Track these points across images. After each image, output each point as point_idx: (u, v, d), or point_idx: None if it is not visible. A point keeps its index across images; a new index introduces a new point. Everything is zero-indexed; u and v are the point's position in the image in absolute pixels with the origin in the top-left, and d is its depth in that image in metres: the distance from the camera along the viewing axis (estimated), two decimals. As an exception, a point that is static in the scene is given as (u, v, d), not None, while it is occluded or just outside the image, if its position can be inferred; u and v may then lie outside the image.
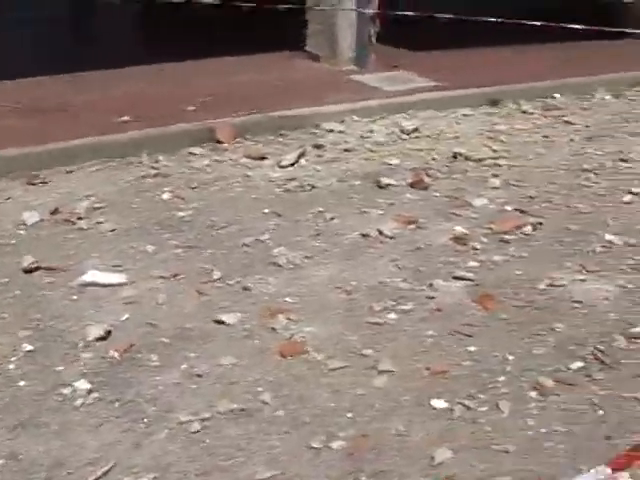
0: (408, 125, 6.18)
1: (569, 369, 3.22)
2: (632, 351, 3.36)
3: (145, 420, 2.91)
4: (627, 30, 7.91)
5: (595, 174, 5.36)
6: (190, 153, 5.60)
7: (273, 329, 3.50)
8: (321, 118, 6.25)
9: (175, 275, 3.96)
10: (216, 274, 3.96)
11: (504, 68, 7.98)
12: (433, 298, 3.77)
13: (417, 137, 6.03)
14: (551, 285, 3.86)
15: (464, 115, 6.65)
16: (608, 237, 4.38)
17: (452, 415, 2.95)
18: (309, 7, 7.72)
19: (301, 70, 7.63)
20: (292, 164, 5.42)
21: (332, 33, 7.67)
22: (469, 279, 3.93)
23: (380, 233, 4.41)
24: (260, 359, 3.29)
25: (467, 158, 5.58)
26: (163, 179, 5.20)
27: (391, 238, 4.38)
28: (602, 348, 3.35)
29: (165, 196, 4.94)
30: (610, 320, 3.59)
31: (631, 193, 5.04)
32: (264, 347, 3.38)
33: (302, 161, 5.48)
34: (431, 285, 3.87)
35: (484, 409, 2.98)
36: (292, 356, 3.30)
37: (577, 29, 6.63)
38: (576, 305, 3.71)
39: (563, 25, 6.41)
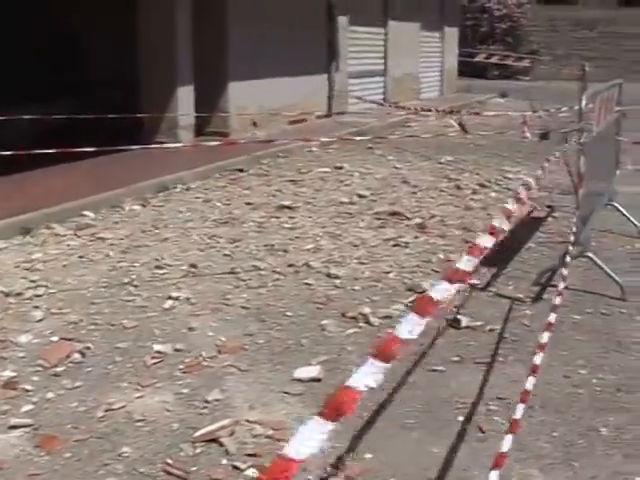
0: None
1: (144, 492, 3.19)
2: (198, 455, 3.44)
3: None
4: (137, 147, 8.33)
5: (134, 286, 5.48)
6: None
7: None
8: None
9: None
10: None
11: (35, 193, 7.90)
12: (-9, 456, 3.51)
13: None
14: (110, 410, 3.80)
15: (-2, 249, 6.41)
16: (157, 347, 4.47)
17: None
18: None
19: None
20: None
21: None
22: (27, 425, 3.71)
23: None
24: None
25: (6, 294, 5.35)
26: None
27: None
28: (171, 462, 3.37)
29: None
30: (174, 430, 3.64)
31: (171, 298, 5.24)
32: None
33: None
34: (-14, 443, 3.60)
35: None
36: None
37: (91, 150, 6.83)
38: (139, 424, 3.69)
39: (79, 149, 6.55)
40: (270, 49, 13.38)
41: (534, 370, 3.44)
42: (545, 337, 3.81)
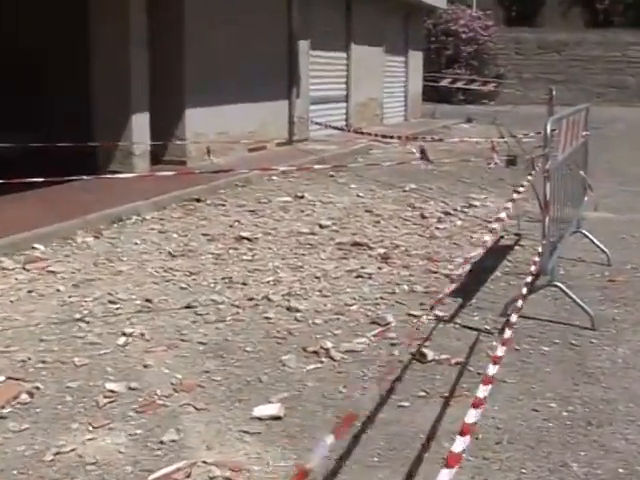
0: None
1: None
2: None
3: None
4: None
5: (86, 322, 5.28)
6: None
7: None
8: None
9: None
10: None
11: (-19, 225, 7.64)
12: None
13: None
14: (60, 453, 3.60)
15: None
16: (110, 386, 4.28)
17: None
18: None
19: None
20: None
21: None
22: (-30, 474, 3.50)
23: None
24: None
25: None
26: None
27: None
28: (122, 509, 3.18)
29: None
30: (128, 473, 3.45)
31: (124, 334, 5.05)
32: None
33: None
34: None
35: None
36: None
37: (42, 180, 6.64)
38: (90, 467, 3.49)
39: (30, 179, 6.36)
40: (229, 74, 13.22)
41: (487, 382, 3.34)
42: (500, 351, 3.75)
